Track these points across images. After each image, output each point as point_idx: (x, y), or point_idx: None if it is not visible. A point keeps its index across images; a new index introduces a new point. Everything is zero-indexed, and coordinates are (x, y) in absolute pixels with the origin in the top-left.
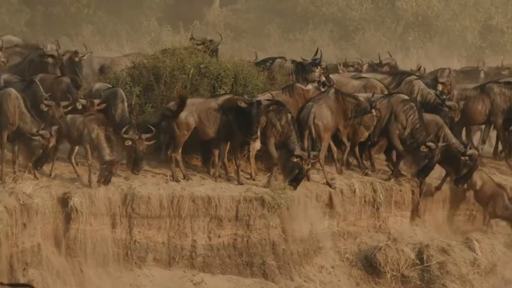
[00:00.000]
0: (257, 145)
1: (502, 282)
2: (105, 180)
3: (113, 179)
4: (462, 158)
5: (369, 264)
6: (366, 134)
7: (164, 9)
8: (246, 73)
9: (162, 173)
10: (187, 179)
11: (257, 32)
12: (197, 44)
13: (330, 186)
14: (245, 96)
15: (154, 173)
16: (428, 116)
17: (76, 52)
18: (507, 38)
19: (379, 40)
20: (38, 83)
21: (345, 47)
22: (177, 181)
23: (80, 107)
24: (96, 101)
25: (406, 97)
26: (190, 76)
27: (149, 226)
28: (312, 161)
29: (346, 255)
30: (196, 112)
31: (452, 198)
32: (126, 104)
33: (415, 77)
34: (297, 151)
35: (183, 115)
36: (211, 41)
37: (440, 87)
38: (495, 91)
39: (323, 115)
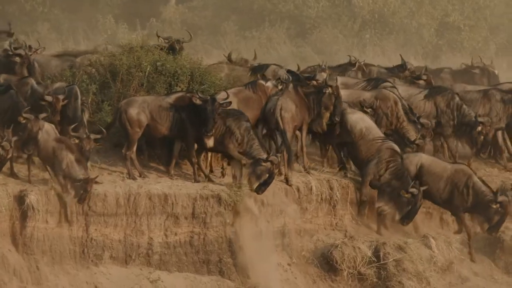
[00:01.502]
0: (210, 142)
1: (459, 280)
2: (80, 198)
3: None
4: (494, 206)
5: (326, 262)
6: (328, 114)
7: (120, 6)
8: (203, 70)
9: (119, 170)
10: (143, 177)
11: (214, 29)
12: (165, 43)
13: (287, 183)
14: (199, 93)
15: (110, 170)
16: (455, 166)
17: (29, 47)
18: (464, 35)
19: (336, 38)
20: (15, 90)
21: (301, 44)
22: (134, 178)
23: (45, 103)
24: (61, 96)
25: (396, 148)
26: (146, 73)
27: (106, 223)
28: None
29: (303, 253)
30: (148, 109)
31: None
32: (79, 102)
33: (391, 85)
34: (269, 156)
35: (134, 112)
36: (177, 40)
37: (479, 128)
38: (497, 98)
39: (289, 108)
